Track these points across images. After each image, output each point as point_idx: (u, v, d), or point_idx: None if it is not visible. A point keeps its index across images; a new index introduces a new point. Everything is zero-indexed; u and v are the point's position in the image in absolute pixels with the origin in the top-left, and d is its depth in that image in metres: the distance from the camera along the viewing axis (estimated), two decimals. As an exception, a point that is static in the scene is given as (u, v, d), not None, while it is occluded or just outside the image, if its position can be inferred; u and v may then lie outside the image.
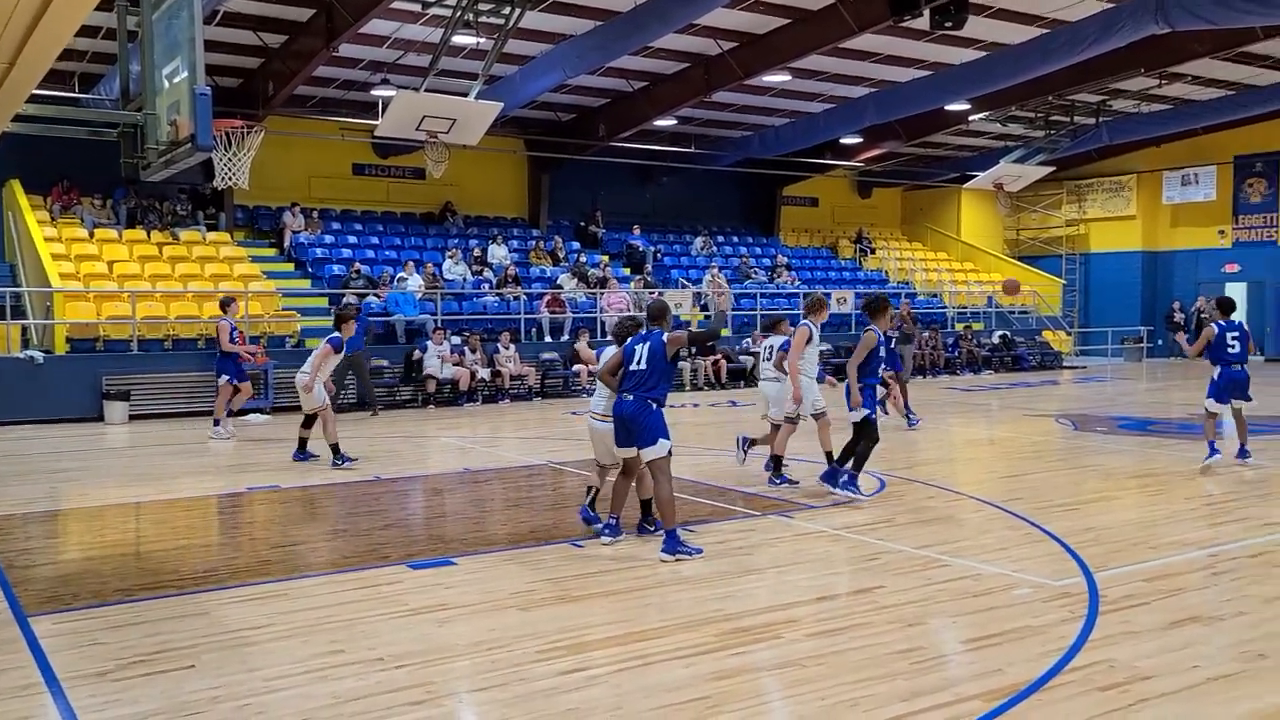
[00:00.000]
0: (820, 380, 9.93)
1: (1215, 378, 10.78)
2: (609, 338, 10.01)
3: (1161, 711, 4.36)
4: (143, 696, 4.60)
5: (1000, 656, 5.04)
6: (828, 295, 9.24)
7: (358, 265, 20.90)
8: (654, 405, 7.23)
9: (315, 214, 22.77)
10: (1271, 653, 5.07)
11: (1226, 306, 11.13)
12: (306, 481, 10.44)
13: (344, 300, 18.56)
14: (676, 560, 6.86)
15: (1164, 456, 11.84)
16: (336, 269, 21.08)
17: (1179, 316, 30.45)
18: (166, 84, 7.28)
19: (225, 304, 15.01)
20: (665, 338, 7.32)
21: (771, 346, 10.16)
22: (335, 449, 11.21)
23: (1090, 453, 12.02)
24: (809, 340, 9.42)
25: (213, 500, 9.71)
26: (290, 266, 21.58)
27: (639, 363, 7.26)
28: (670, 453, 7.18)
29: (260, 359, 16.48)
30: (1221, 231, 30.44)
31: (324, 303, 20.02)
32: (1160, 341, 30.78)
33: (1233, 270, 30.26)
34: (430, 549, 7.48)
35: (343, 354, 11.60)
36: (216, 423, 14.15)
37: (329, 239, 22.51)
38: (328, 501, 9.54)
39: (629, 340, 7.50)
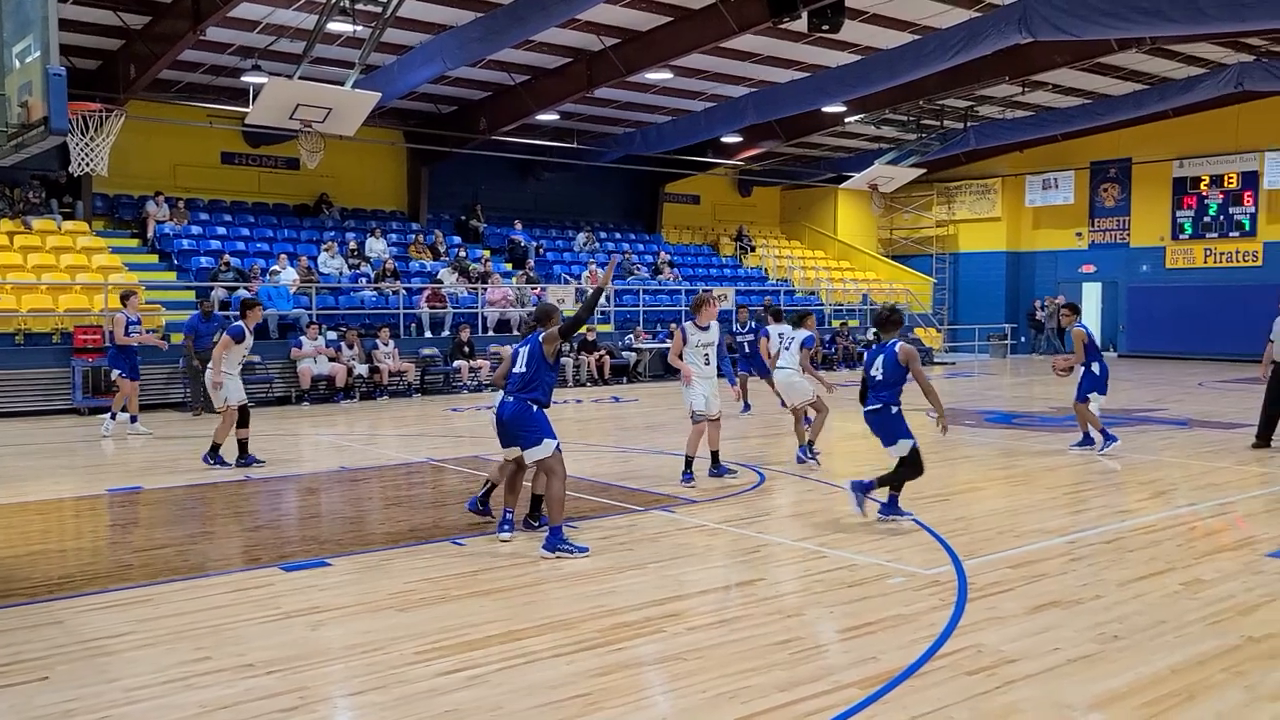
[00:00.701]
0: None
1: (1096, 373, 11.51)
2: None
3: (1025, 693, 4.54)
4: (-10, 712, 4.33)
5: (875, 644, 5.17)
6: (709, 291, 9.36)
7: (227, 257, 20.15)
8: (534, 406, 7.19)
9: (181, 204, 21.85)
10: (1125, 634, 5.33)
11: (1076, 309, 12.06)
12: (172, 482, 10.02)
13: (204, 297, 17.89)
14: (557, 557, 6.82)
15: (1027, 449, 12.35)
16: (204, 261, 20.29)
17: (1040, 315, 31.87)
18: (17, 64, 6.86)
19: (125, 297, 14.29)
20: (541, 338, 7.29)
21: (792, 339, 10.99)
22: (215, 448, 10.77)
23: (959, 445, 12.46)
24: (685, 342, 9.64)
25: (69, 503, 9.23)
26: (154, 258, 20.66)
27: (520, 364, 7.25)
28: (558, 450, 7.14)
29: (161, 345, 15.86)
30: (1079, 233, 31.98)
31: (190, 296, 19.23)
32: (1023, 339, 32.15)
33: (1089, 270, 31.81)
34: (304, 550, 7.26)
35: (245, 344, 10.97)
36: (113, 417, 13.78)
37: (196, 230, 21.63)
38: (195, 503, 9.17)
39: (516, 344, 7.49)
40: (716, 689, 4.58)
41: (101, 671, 4.81)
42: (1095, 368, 11.54)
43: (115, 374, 13.94)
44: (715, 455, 9.93)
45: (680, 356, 9.64)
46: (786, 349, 11.06)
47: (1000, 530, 7.80)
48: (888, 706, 4.39)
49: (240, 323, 10.89)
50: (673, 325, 12.47)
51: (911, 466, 7.89)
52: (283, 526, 8.45)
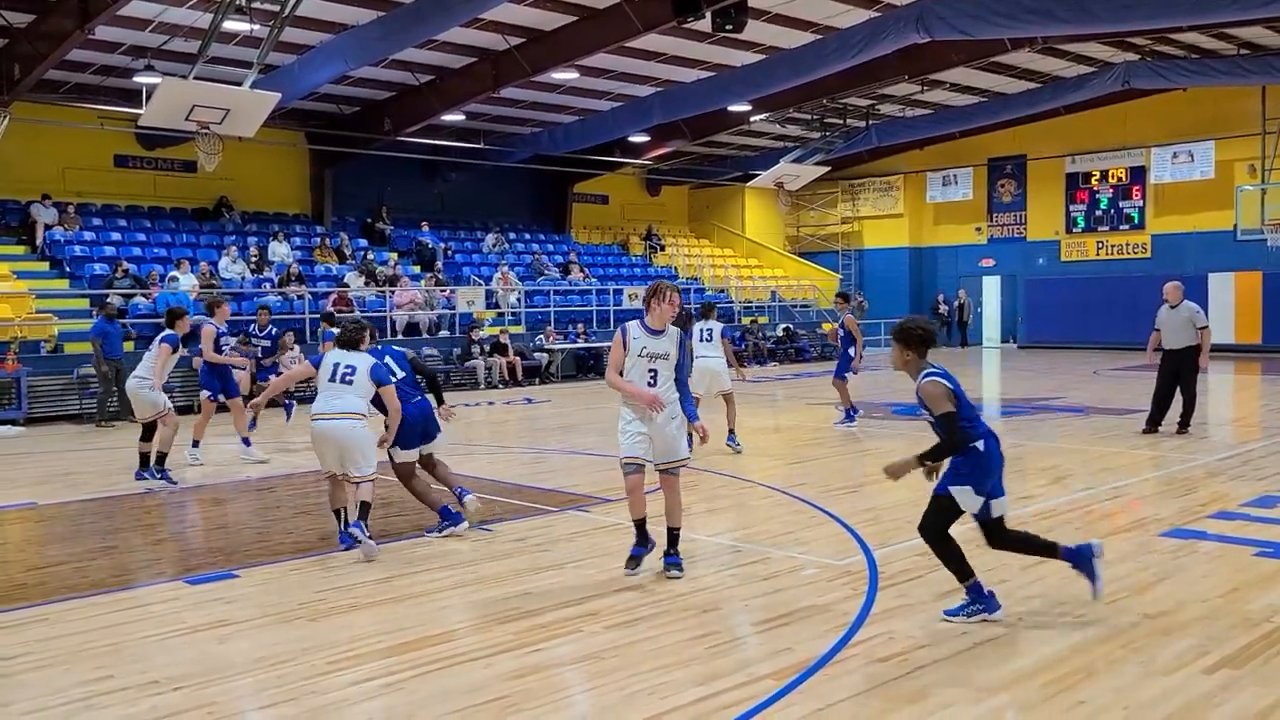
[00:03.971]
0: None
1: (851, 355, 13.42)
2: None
3: (936, 677, 4.65)
4: (-127, 744, 4.12)
5: (789, 636, 5.24)
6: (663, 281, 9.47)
7: (124, 264, 19.48)
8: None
9: (72, 208, 21.03)
10: (1028, 615, 5.51)
11: (847, 297, 14.53)
12: (68, 497, 9.65)
13: (107, 299, 17.27)
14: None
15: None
16: (99, 268, 19.58)
17: (943, 308, 32.70)
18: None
19: (213, 306, 11.96)
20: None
21: (711, 329, 11.55)
22: (162, 459, 10.15)
23: (867, 438, 12.71)
24: (625, 349, 6.55)
25: (-43, 522, 8.82)
26: (45, 265, 19.88)
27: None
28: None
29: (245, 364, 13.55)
30: (978, 228, 32.89)
31: (84, 304, 18.57)
32: (927, 331, 32.88)
33: (988, 264, 32.74)
34: (209, 562, 7.06)
35: (179, 352, 10.48)
36: (195, 445, 11.66)
37: (89, 235, 20.86)
38: (94, 518, 8.84)
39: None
40: (635, 686, 4.60)
41: (-5, 696, 4.62)
42: (852, 350, 13.36)
43: (204, 395, 11.86)
44: (672, 536, 6.59)
45: (621, 373, 6.54)
46: (707, 340, 11.46)
47: (909, 519, 7.91)
48: (803, 696, 4.46)
49: (172, 331, 10.33)
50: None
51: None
52: (188, 539, 8.21)
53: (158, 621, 5.69)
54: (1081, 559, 5.53)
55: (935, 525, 5.47)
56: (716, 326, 11.62)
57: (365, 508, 7.20)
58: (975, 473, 5.37)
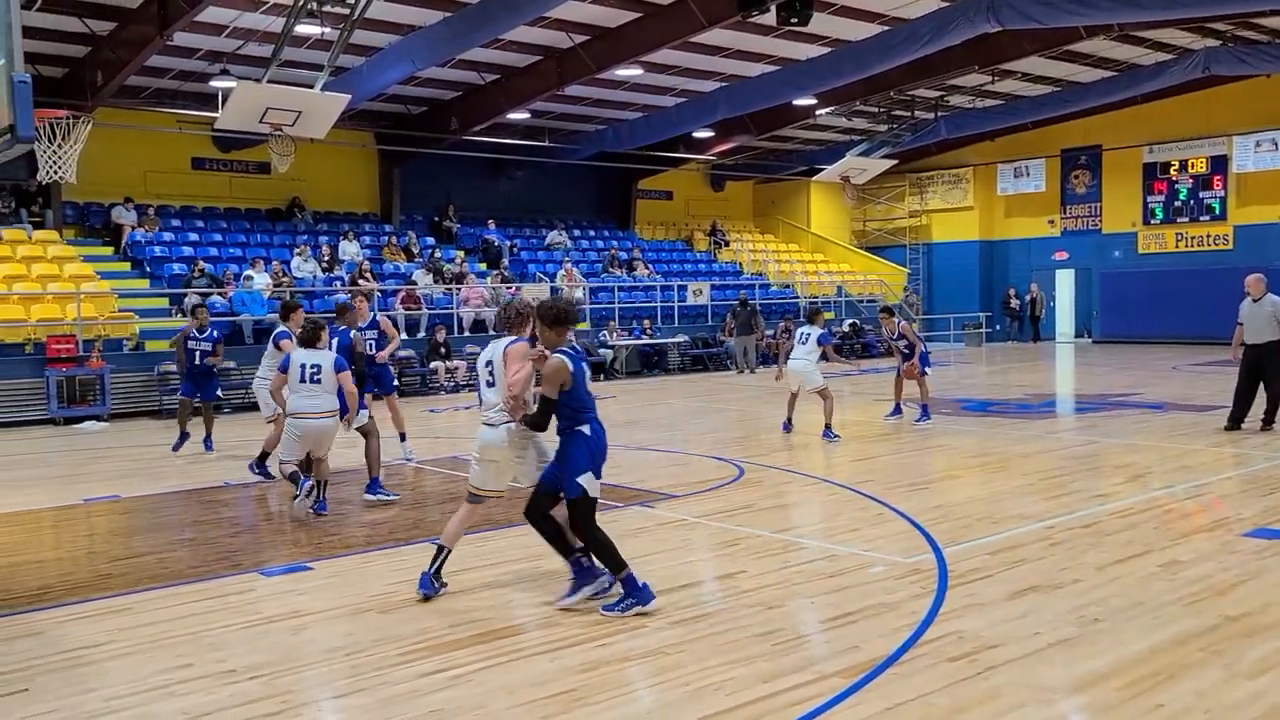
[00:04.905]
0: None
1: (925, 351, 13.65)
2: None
3: (1007, 677, 4.57)
4: (-32, 727, 4.29)
5: (856, 634, 5.20)
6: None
7: (201, 264, 20.00)
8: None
9: (152, 210, 21.65)
10: (1105, 616, 5.38)
11: (891, 310, 14.44)
12: (150, 490, 9.94)
13: (186, 299, 17.75)
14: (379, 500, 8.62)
15: (1003, 435, 12.44)
16: (177, 268, 20.12)
17: (1014, 302, 32.09)
18: (-20, 72, 6.79)
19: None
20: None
21: (808, 333, 12.34)
22: (264, 456, 10.29)
23: (936, 434, 12.53)
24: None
25: (46, 514, 9.13)
26: (127, 266, 20.49)
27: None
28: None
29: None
30: (1051, 221, 32.20)
31: (164, 303, 19.12)
32: (998, 326, 32.36)
33: (1061, 257, 32.05)
34: (284, 554, 7.22)
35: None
36: (403, 438, 11.29)
37: (168, 236, 21.45)
38: (174, 510, 9.10)
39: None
40: (699, 681, 4.60)
41: (81, 682, 4.78)
42: (918, 348, 13.62)
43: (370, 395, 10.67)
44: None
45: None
46: (803, 343, 12.39)
47: (979, 517, 7.86)
48: (870, 695, 4.41)
49: (285, 328, 10.13)
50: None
51: None
52: (263, 531, 8.40)
53: (235, 612, 5.83)
54: (585, 574, 5.73)
55: (584, 515, 5.67)
56: (814, 331, 12.40)
57: (324, 485, 8.56)
58: (589, 457, 5.66)
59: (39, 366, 16.19)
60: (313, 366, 8.27)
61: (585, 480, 5.63)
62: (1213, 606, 5.51)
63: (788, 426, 12.89)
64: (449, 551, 6.08)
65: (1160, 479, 9.29)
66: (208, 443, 12.48)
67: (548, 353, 5.78)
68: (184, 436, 12.30)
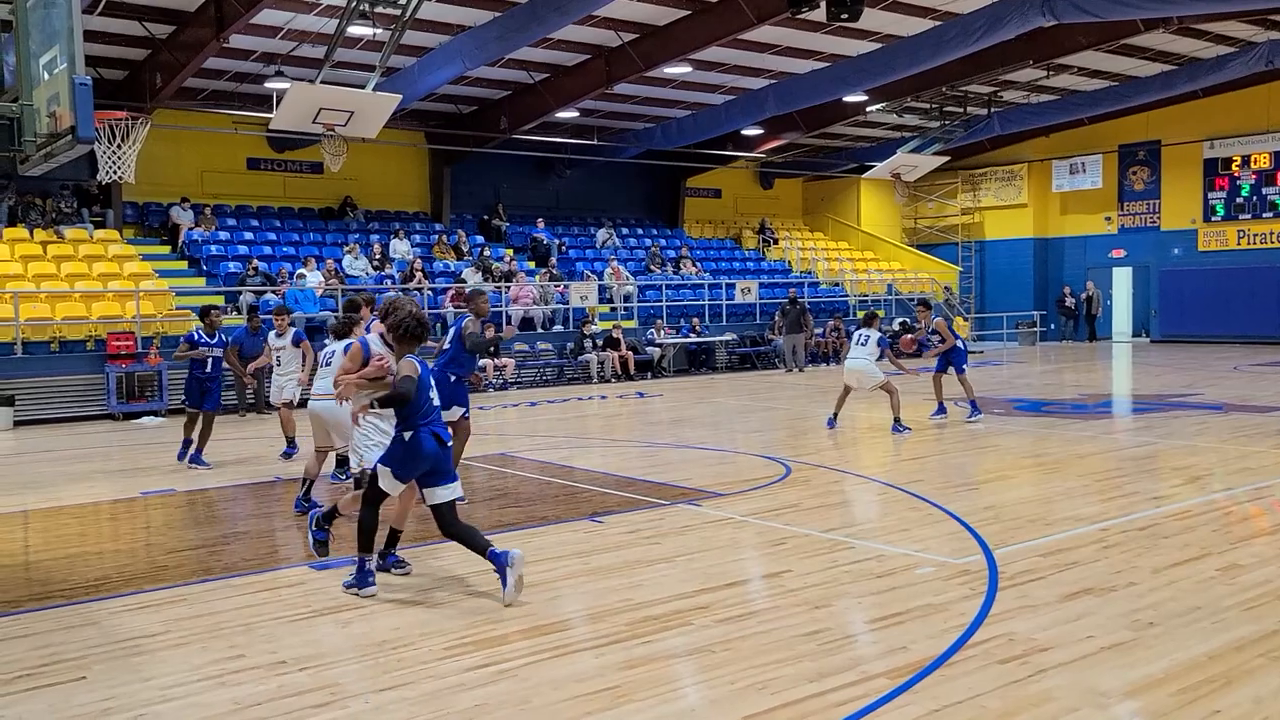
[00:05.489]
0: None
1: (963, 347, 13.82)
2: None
3: (1058, 681, 4.49)
4: (29, 712, 4.39)
5: (904, 635, 5.14)
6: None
7: (255, 262, 20.34)
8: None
9: (208, 210, 22.07)
10: (1160, 620, 5.27)
11: (928, 304, 14.60)
12: (205, 485, 10.12)
13: (240, 297, 18.05)
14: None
15: (1058, 436, 12.24)
16: (232, 266, 20.48)
17: (1069, 301, 31.57)
18: (45, 75, 6.97)
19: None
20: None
21: (868, 335, 12.71)
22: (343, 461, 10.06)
23: (988, 434, 12.37)
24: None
25: (105, 507, 9.34)
26: (184, 264, 20.89)
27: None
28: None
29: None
30: (1108, 218, 31.63)
31: (219, 301, 19.42)
32: (1053, 325, 31.86)
33: (1119, 255, 31.47)
34: (334, 549, 7.30)
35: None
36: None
37: (224, 235, 21.84)
38: (227, 505, 9.27)
39: None
40: (745, 680, 4.57)
41: (137, 670, 4.87)
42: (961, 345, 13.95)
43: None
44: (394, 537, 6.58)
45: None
46: (861, 344, 12.79)
47: (1031, 518, 7.73)
48: (918, 696, 4.36)
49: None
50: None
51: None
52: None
53: (286, 604, 5.92)
54: (499, 561, 5.84)
55: (369, 493, 6.09)
56: (873, 335, 12.83)
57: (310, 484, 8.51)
58: (401, 459, 5.95)
59: (99, 363, 16.57)
60: (329, 352, 8.49)
61: (383, 470, 5.98)
62: (1273, 612, 5.37)
63: (832, 423, 13.01)
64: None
65: (1220, 481, 9.08)
66: (191, 454, 11.30)
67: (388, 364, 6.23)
68: (185, 443, 11.44)
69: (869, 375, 12.76)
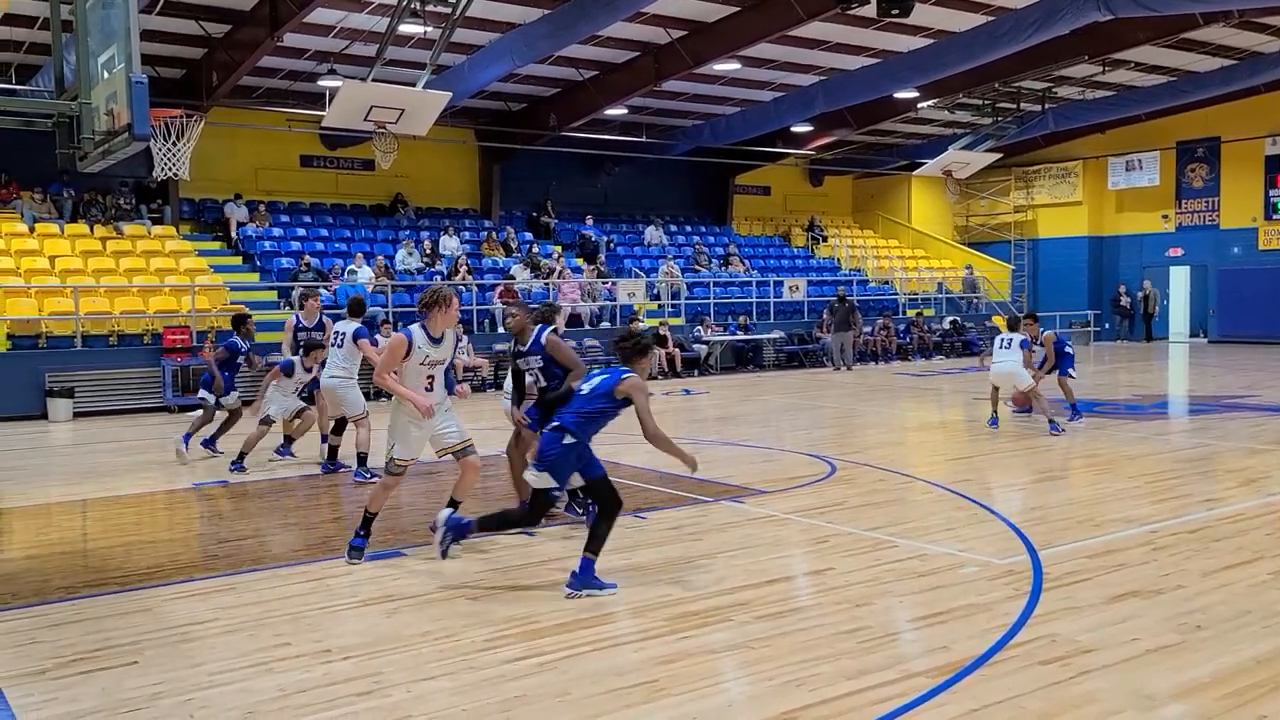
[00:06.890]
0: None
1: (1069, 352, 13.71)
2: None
3: (1102, 683, 4.44)
4: (82, 694, 4.52)
5: (946, 634, 5.10)
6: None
7: (307, 258, 20.65)
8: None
9: (262, 206, 22.46)
10: (1208, 624, 5.18)
11: (1035, 317, 14.10)
12: (256, 477, 10.31)
13: (293, 292, 18.30)
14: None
15: (1109, 437, 12.05)
16: (285, 262, 20.81)
17: (1125, 300, 31.00)
18: (104, 74, 7.15)
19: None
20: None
21: (1011, 339, 12.86)
22: (363, 459, 10.21)
23: (1037, 434, 12.20)
24: (408, 353, 6.65)
25: (159, 497, 9.55)
26: (238, 260, 21.27)
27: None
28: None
29: None
30: (1165, 216, 31.00)
31: (273, 296, 19.77)
32: (1107, 325, 31.31)
33: (1176, 254, 30.84)
34: (381, 541, 7.39)
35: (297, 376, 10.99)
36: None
37: (277, 231, 22.21)
38: (277, 496, 9.43)
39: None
40: (784, 677, 4.57)
41: (187, 656, 4.99)
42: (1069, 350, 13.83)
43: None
44: (454, 503, 6.94)
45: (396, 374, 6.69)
46: (1005, 348, 12.95)
47: (1079, 520, 7.63)
48: (956, 696, 4.33)
49: (292, 358, 10.81)
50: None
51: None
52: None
53: (332, 594, 6.02)
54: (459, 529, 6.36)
55: (609, 508, 6.19)
56: (1017, 338, 12.92)
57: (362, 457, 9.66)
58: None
59: (155, 356, 16.92)
60: (338, 334, 9.88)
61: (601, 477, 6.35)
62: (1327, 617, 5.26)
63: (994, 422, 12.95)
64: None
65: (1278, 484, 8.89)
66: (199, 441, 11.46)
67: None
68: (286, 440, 11.58)
69: (1020, 377, 12.80)
